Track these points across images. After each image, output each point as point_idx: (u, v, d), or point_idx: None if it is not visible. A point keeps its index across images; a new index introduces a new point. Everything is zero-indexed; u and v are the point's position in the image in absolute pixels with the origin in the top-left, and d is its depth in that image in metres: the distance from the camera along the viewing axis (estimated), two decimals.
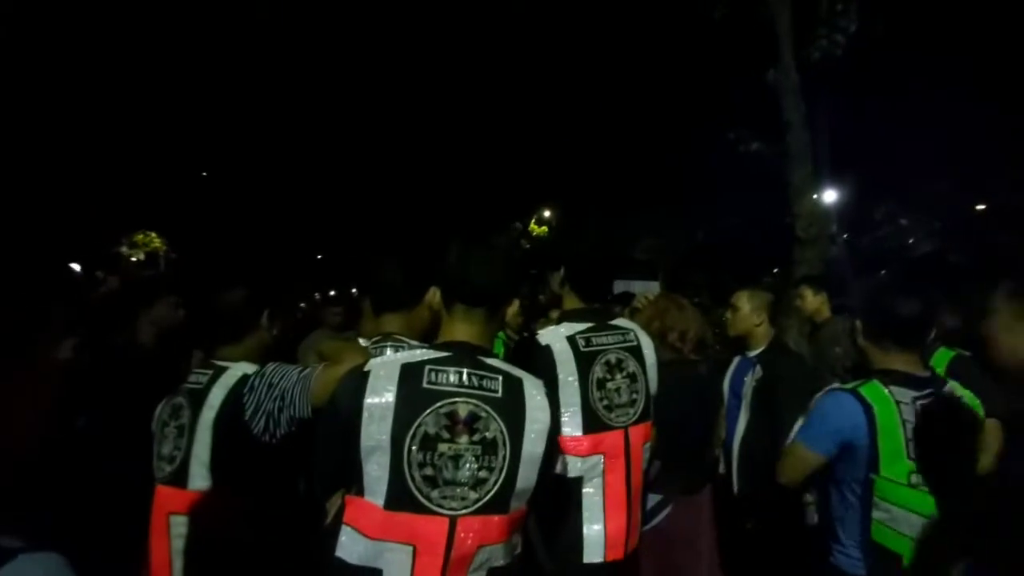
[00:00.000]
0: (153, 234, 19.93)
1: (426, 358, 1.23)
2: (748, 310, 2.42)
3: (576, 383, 1.62)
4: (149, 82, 12.51)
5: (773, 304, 2.47)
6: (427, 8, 8.98)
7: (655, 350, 1.80)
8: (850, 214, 7.70)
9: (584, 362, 1.65)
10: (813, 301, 3.46)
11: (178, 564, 1.37)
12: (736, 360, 2.53)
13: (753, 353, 2.43)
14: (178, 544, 1.38)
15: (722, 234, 13.54)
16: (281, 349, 1.63)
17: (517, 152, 13.43)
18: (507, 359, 1.42)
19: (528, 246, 17.54)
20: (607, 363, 1.69)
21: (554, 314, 5.00)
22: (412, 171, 15.02)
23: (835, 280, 3.69)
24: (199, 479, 1.37)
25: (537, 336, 1.68)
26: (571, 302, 1.77)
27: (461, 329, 1.28)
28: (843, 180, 8.20)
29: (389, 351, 1.59)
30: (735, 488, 2.33)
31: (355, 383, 1.19)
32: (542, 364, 1.59)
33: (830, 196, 6.64)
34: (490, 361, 1.27)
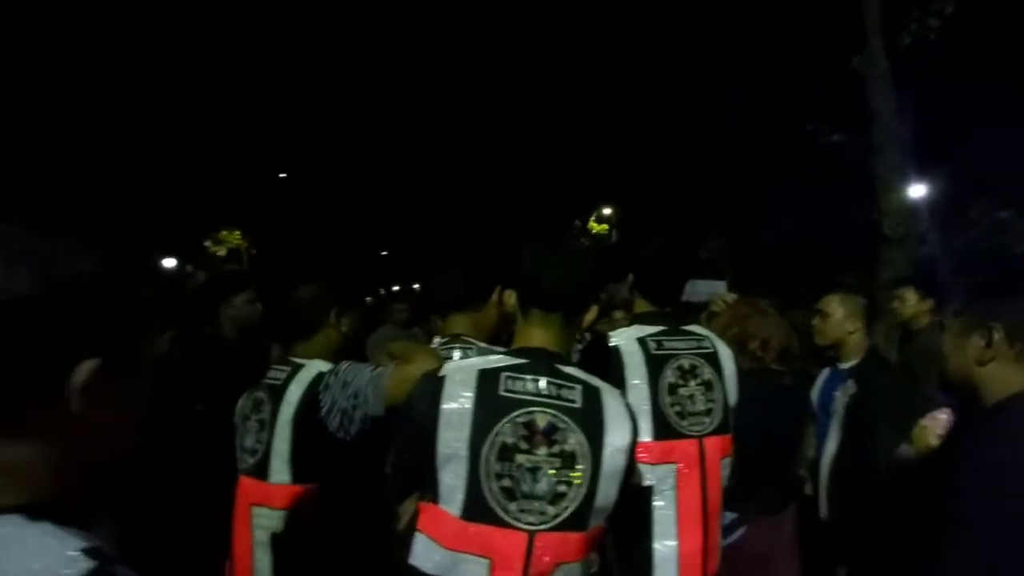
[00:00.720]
0: (236, 231, 21.27)
1: (503, 364, 1.20)
2: (840, 316, 2.22)
3: (645, 386, 1.55)
4: (238, 92, 13.26)
5: (869, 309, 2.27)
6: (490, 2, 9.00)
7: (734, 359, 1.70)
8: (941, 211, 7.09)
9: (654, 365, 1.57)
10: (916, 306, 3.12)
11: (259, 554, 1.43)
12: (825, 372, 2.33)
13: (846, 365, 2.23)
14: (259, 535, 1.44)
15: (793, 232, 12.83)
16: (350, 346, 1.66)
17: (576, 148, 13.27)
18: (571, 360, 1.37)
19: (587, 244, 17.36)
20: (679, 368, 1.60)
21: (618, 314, 4.89)
22: (473, 167, 15.16)
23: (923, 283, 3.36)
24: (279, 473, 1.43)
25: (607, 336, 1.62)
26: (642, 306, 1.70)
27: (537, 335, 1.23)
28: (934, 174, 7.56)
29: (457, 352, 1.59)
30: (823, 512, 2.16)
31: (431, 388, 1.17)
32: (609, 365, 1.54)
33: (918, 191, 6.15)
34: (568, 369, 1.23)
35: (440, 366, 1.29)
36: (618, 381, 1.50)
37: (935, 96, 6.99)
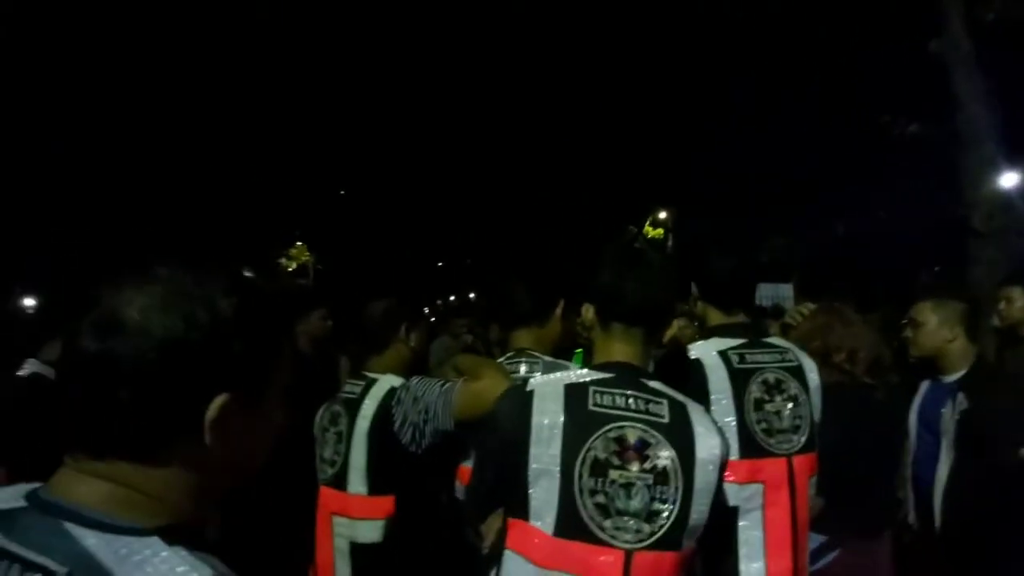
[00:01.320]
0: (304, 246, 22.42)
1: (589, 378, 1.17)
2: (935, 324, 2.02)
3: (730, 402, 1.48)
4: (301, 115, 13.91)
5: (970, 314, 2.06)
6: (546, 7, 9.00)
7: (819, 372, 1.59)
8: None
9: (739, 380, 1.50)
10: None
11: (339, 562, 1.46)
12: (925, 386, 2.12)
13: (950, 378, 2.02)
14: (339, 543, 1.47)
15: (867, 230, 12.09)
16: (418, 360, 1.67)
17: (633, 150, 13.06)
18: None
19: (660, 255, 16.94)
20: (765, 382, 1.52)
21: (681, 322, 4.73)
22: (527, 173, 15.21)
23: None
24: (357, 484, 1.47)
25: (687, 348, 1.57)
26: (715, 316, 1.62)
27: (620, 349, 1.20)
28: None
29: (523, 367, 1.57)
30: (941, 541, 1.96)
31: (520, 402, 1.15)
32: (692, 380, 1.47)
33: (1010, 180, 5.66)
34: (653, 384, 1.19)
35: (509, 381, 1.28)
36: (700, 396, 1.44)
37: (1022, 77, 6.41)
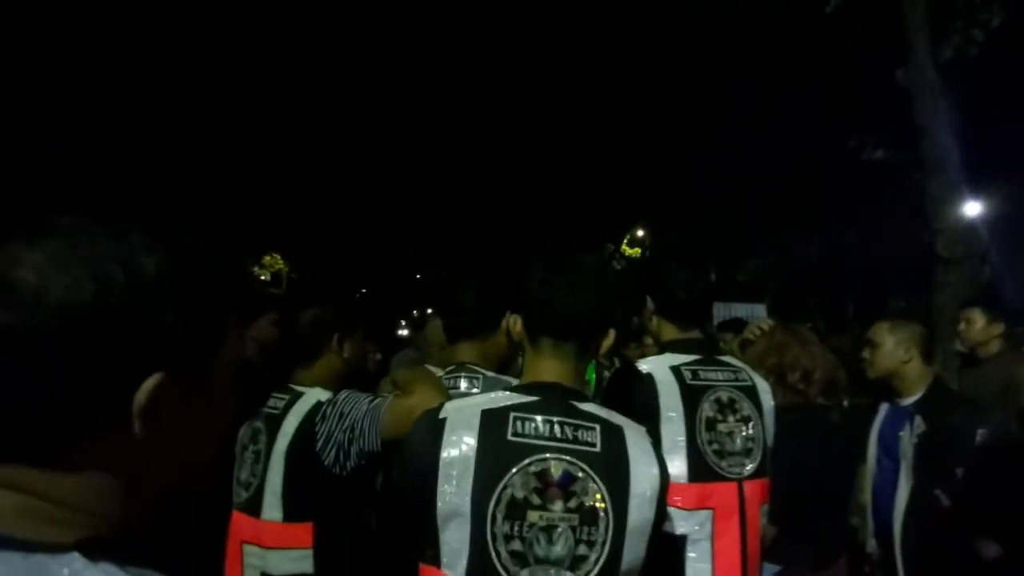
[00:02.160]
0: (278, 256, 22.07)
1: (510, 403, 1.04)
2: (891, 345, 2.00)
3: (681, 420, 1.40)
4: (281, 126, 13.80)
5: (927, 337, 2.03)
6: (517, 28, 9.09)
7: (772, 393, 1.53)
8: (1002, 230, 6.66)
9: (691, 397, 1.42)
10: (984, 330, 2.78)
11: None
12: (884, 409, 2.08)
13: (908, 400, 1.99)
14: (250, 575, 1.34)
15: (838, 253, 12.31)
16: (353, 373, 1.56)
17: (611, 169, 13.17)
18: (601, 388, 1.24)
19: (620, 267, 17.10)
20: (718, 401, 1.45)
21: (649, 340, 4.66)
22: (504, 190, 15.23)
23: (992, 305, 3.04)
24: (272, 509, 1.33)
25: (637, 364, 1.49)
26: (668, 331, 1.55)
27: (549, 367, 1.08)
28: (990, 191, 7.14)
29: (463, 382, 1.47)
30: (900, 572, 1.90)
31: (430, 432, 1.02)
32: (642, 395, 1.40)
33: (974, 209, 5.80)
34: (585, 407, 1.06)
35: (444, 398, 1.18)
36: (650, 412, 1.37)
37: (986, 109, 6.63)
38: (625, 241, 18.46)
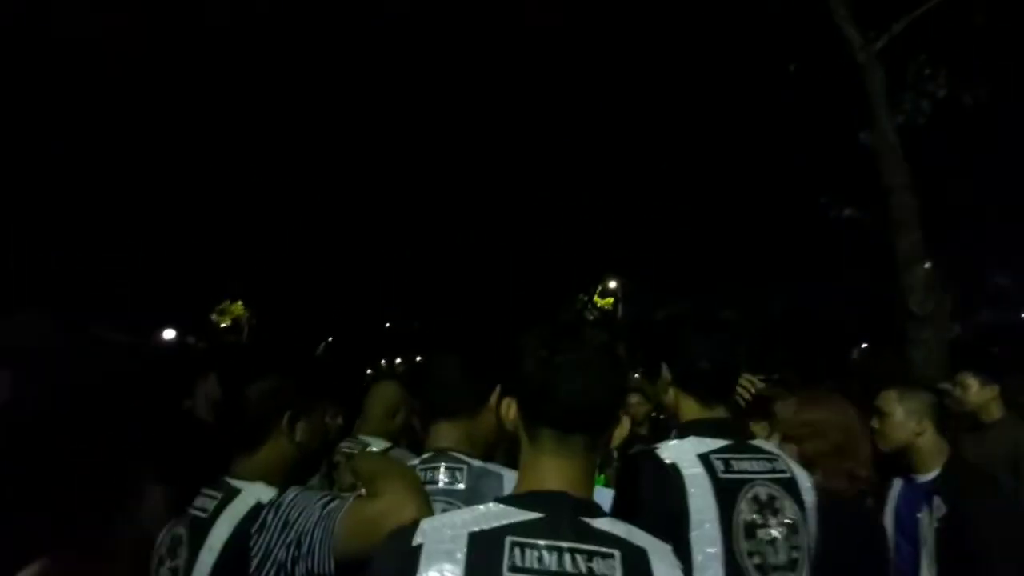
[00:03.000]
0: (239, 303, 21.35)
1: (505, 522, 0.82)
2: (902, 415, 1.85)
3: (716, 525, 1.15)
4: (250, 165, 13.64)
5: (937, 405, 1.89)
6: (491, 77, 9.27)
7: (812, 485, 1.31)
8: (964, 285, 6.83)
9: (725, 496, 1.18)
10: (979, 393, 2.69)
11: None
12: (898, 485, 1.90)
13: (924, 477, 1.83)
14: None
15: (806, 307, 12.54)
16: (309, 460, 1.30)
17: (580, 219, 13.30)
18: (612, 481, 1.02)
19: (592, 318, 17.06)
20: (756, 499, 1.20)
21: (633, 399, 4.44)
22: (475, 239, 15.19)
23: (972, 364, 2.98)
24: None
25: (657, 451, 1.24)
26: (689, 408, 1.33)
27: (552, 468, 0.87)
28: (949, 248, 7.37)
29: (443, 475, 1.23)
30: None
31: (400, 561, 0.80)
32: (667, 493, 1.16)
33: (937, 266, 5.92)
34: (599, 524, 0.83)
35: (419, 504, 0.95)
36: (679, 516, 1.14)
37: (945, 171, 6.92)
38: (597, 292, 18.53)
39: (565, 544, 0.81)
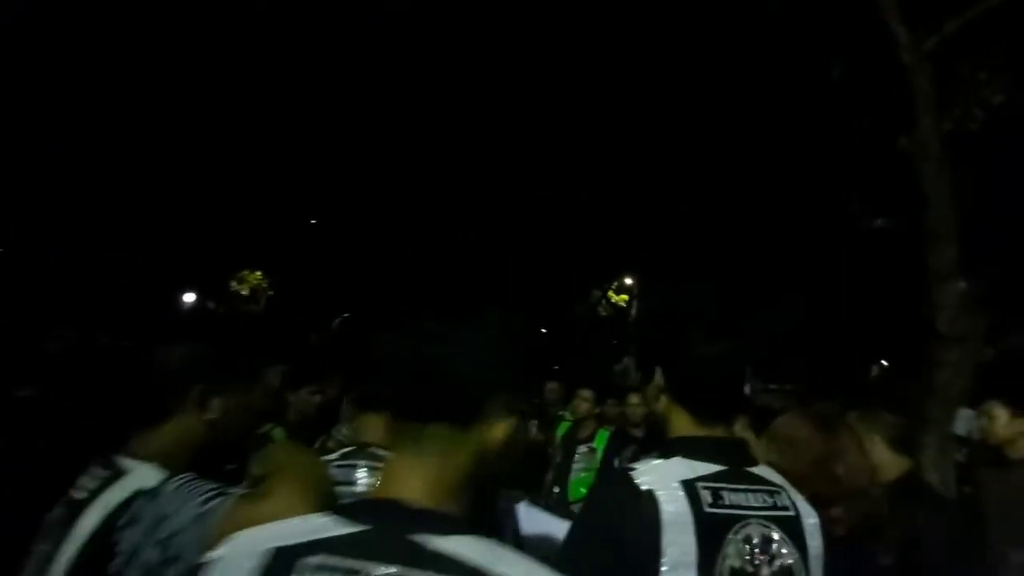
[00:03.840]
0: (258, 272, 21.62)
1: (313, 537, 0.62)
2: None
3: (694, 569, 0.96)
4: (274, 138, 13.71)
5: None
6: (504, 75, 9.07)
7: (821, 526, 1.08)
8: (1000, 307, 6.46)
9: (710, 535, 0.99)
10: (1009, 426, 2.46)
11: None
12: None
13: None
14: None
15: (824, 319, 12.12)
16: (224, 440, 1.15)
17: (601, 215, 13.04)
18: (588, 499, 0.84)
19: (605, 314, 16.80)
20: (747, 541, 1.00)
21: (635, 399, 4.23)
22: (492, 228, 15.03)
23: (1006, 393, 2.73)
24: None
25: (633, 473, 1.04)
26: (681, 423, 1.15)
27: (396, 468, 0.69)
28: (988, 267, 7.00)
29: (362, 473, 1.07)
30: None
31: None
32: (637, 524, 0.97)
33: (972, 285, 5.59)
34: (444, 545, 0.63)
35: (305, 503, 0.79)
36: (649, 553, 0.95)
37: (988, 183, 6.56)
38: (612, 288, 18.27)
39: (378, 569, 0.61)
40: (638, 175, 10.59)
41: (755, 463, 1.12)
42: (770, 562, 0.98)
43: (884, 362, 10.78)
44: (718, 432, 1.11)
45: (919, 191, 4.86)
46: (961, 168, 5.33)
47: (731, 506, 1.01)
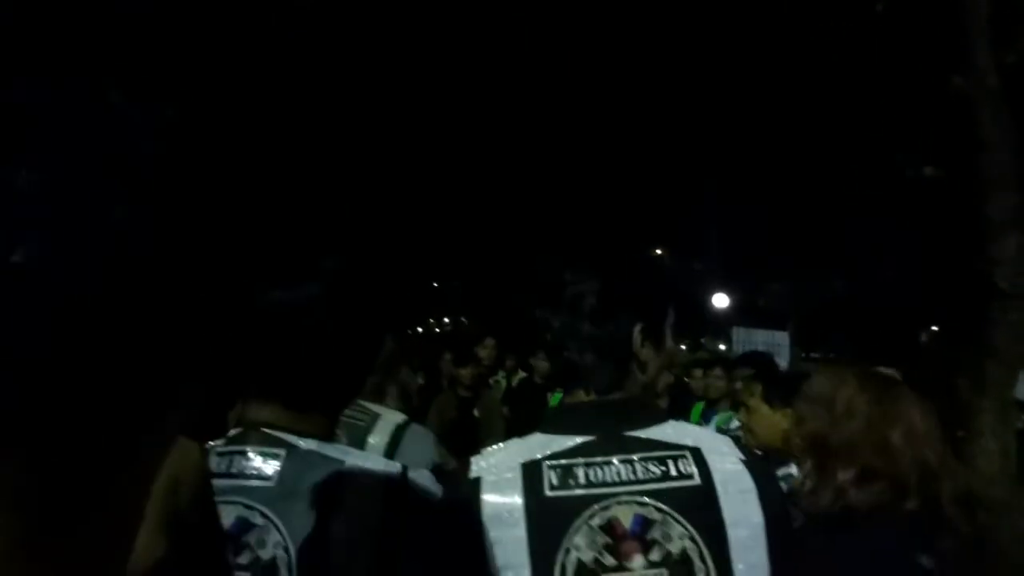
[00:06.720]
0: None
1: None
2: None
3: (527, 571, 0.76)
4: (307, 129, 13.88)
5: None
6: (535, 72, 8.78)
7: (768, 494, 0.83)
8: None
9: (548, 525, 0.78)
10: None
11: None
12: None
13: None
14: None
15: (871, 281, 11.52)
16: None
17: (630, 183, 12.67)
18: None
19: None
20: (608, 528, 0.78)
21: (697, 373, 4.02)
22: (520, 199, 14.86)
23: None
24: None
25: (469, 462, 0.85)
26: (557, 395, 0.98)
27: None
28: None
29: (257, 460, 0.87)
30: None
31: None
32: (446, 531, 0.78)
33: None
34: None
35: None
36: (467, 568, 0.76)
37: None
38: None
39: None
40: (684, 115, 10.08)
41: (645, 425, 0.87)
42: (645, 550, 0.75)
43: (934, 327, 10.18)
44: (592, 398, 0.90)
45: (974, 134, 4.42)
46: (1022, 107, 4.82)
47: (587, 484, 0.79)
